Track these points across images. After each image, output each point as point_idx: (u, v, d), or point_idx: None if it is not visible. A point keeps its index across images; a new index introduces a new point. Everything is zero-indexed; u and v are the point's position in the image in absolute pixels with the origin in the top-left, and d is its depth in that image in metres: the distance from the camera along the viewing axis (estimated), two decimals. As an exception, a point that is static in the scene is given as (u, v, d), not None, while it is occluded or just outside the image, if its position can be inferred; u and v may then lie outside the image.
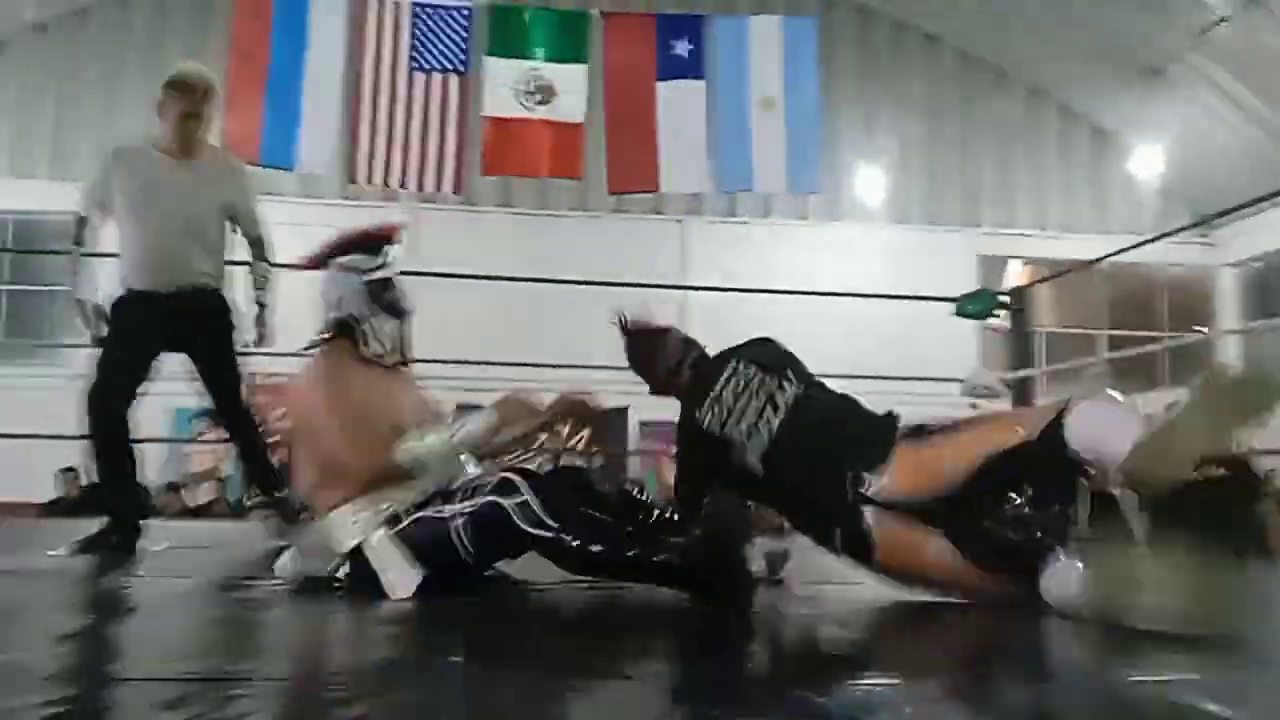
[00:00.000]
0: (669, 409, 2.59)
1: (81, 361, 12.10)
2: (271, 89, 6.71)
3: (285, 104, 6.69)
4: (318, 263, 2.79)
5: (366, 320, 2.67)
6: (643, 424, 10.87)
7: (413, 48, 7.14)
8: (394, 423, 2.57)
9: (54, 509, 7.46)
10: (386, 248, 2.78)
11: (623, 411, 11.49)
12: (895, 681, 1.50)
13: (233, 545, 3.66)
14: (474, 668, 1.44)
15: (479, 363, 7.12)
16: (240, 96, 6.73)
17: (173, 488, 8.85)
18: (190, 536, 4.08)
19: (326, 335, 2.70)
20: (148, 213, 3.41)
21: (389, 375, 2.70)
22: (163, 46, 11.86)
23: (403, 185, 7.14)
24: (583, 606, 2.30)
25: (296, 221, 11.30)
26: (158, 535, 3.53)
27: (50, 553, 3.03)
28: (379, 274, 2.70)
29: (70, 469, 7.73)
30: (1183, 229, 11.96)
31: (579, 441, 11.10)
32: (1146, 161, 12.14)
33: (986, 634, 2.02)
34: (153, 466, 9.95)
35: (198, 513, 8.32)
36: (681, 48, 7.54)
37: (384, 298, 2.69)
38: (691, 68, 7.53)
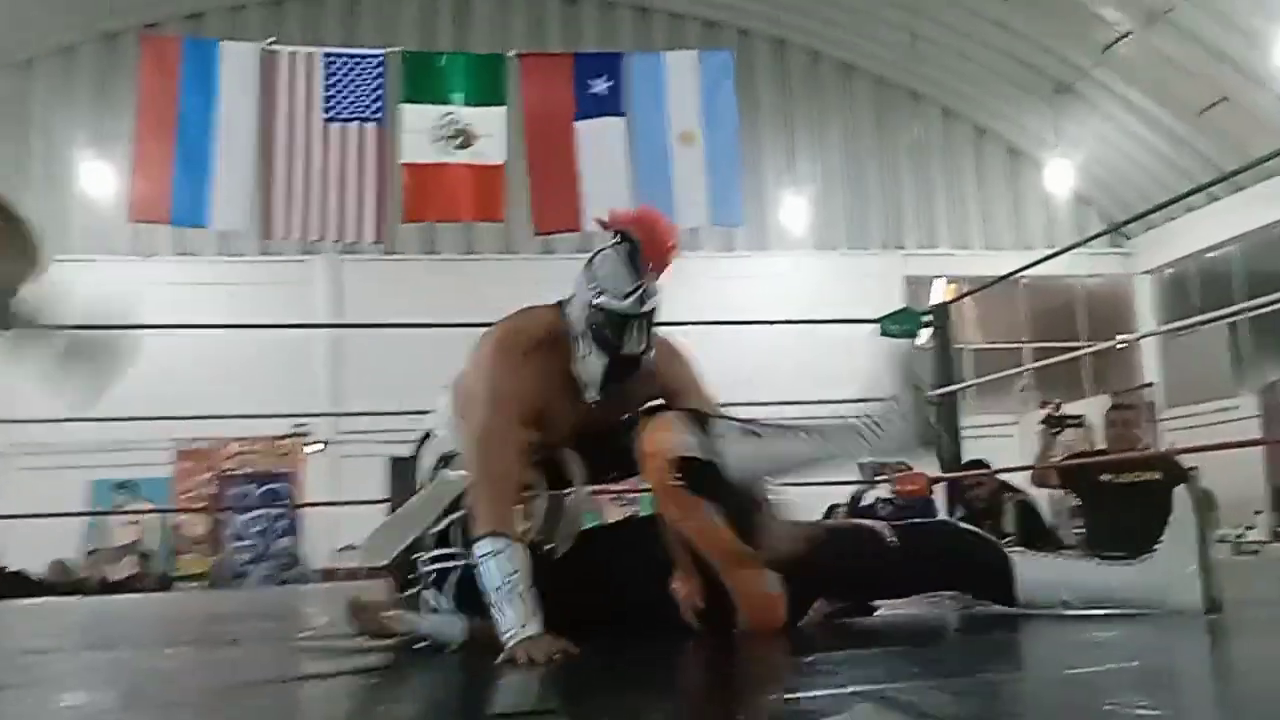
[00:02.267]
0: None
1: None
2: (181, 147, 6.58)
3: (195, 161, 6.56)
4: (611, 226, 2.32)
5: (578, 339, 2.27)
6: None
7: (326, 99, 7.05)
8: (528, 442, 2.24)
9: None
10: (648, 277, 2.26)
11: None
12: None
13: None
14: None
15: (413, 413, 7.00)
16: (148, 156, 6.59)
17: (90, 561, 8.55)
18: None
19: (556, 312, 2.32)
20: None
21: (579, 405, 2.29)
22: (70, 107, 11.64)
23: (321, 237, 7.03)
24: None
25: (214, 281, 11.18)
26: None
27: None
28: (614, 304, 2.22)
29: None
30: (1092, 237, 12.29)
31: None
32: (1060, 177, 12.45)
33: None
34: (71, 539, 9.63)
35: (117, 588, 8.00)
36: (600, 86, 7.55)
37: (604, 333, 2.23)
38: (610, 105, 7.54)
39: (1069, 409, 5.64)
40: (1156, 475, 4.76)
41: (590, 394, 2.27)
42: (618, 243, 2.28)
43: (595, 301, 2.23)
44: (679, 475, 2.10)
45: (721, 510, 2.12)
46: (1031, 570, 2.20)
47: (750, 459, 2.17)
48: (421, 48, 7.67)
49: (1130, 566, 2.18)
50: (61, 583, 7.79)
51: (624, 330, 2.23)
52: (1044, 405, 5.48)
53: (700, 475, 2.11)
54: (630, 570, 2.28)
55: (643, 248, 2.25)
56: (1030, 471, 5.52)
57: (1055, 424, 5.17)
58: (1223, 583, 2.11)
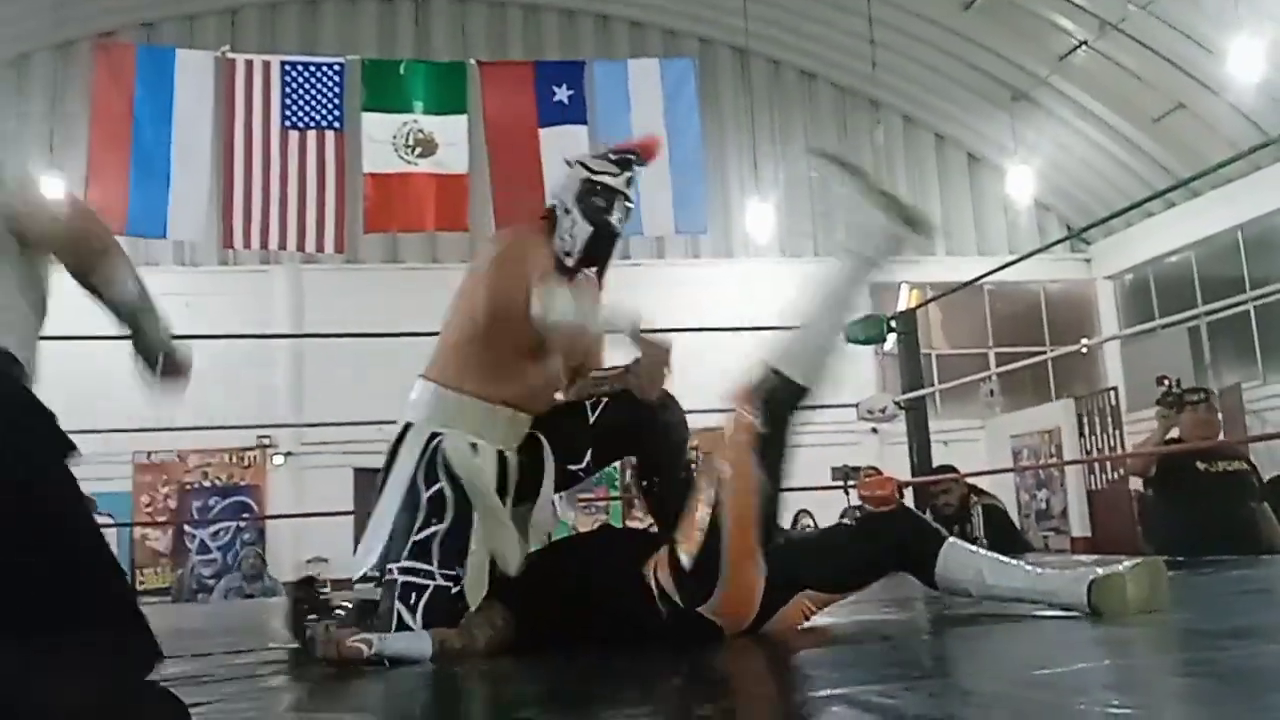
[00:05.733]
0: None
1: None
2: (137, 156, 6.47)
3: (152, 170, 6.45)
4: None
5: (566, 214, 2.50)
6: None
7: (285, 106, 6.97)
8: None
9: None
10: (632, 162, 2.60)
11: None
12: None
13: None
14: None
15: (377, 423, 6.91)
16: (103, 165, 6.48)
17: None
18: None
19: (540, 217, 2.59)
20: None
21: (570, 281, 2.48)
22: (22, 116, 11.44)
23: (282, 246, 6.94)
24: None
25: (172, 291, 10.98)
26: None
27: None
28: (601, 177, 2.50)
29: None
30: (1053, 243, 12.44)
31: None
32: (1020, 184, 12.57)
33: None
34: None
35: None
36: (562, 94, 7.52)
37: (591, 201, 2.48)
38: (573, 114, 7.51)
39: (1032, 415, 5.59)
40: (1244, 465, 4.52)
41: (569, 260, 2.48)
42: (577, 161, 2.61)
43: (594, 177, 2.49)
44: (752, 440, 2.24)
45: (764, 488, 2.22)
46: (955, 558, 2.25)
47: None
48: (382, 56, 7.61)
49: (1036, 570, 2.27)
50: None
51: (613, 201, 2.49)
52: (1160, 382, 4.89)
53: (768, 451, 2.25)
54: (601, 579, 2.27)
55: (631, 147, 2.62)
56: (1128, 461, 5.07)
57: (1174, 402, 4.48)
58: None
